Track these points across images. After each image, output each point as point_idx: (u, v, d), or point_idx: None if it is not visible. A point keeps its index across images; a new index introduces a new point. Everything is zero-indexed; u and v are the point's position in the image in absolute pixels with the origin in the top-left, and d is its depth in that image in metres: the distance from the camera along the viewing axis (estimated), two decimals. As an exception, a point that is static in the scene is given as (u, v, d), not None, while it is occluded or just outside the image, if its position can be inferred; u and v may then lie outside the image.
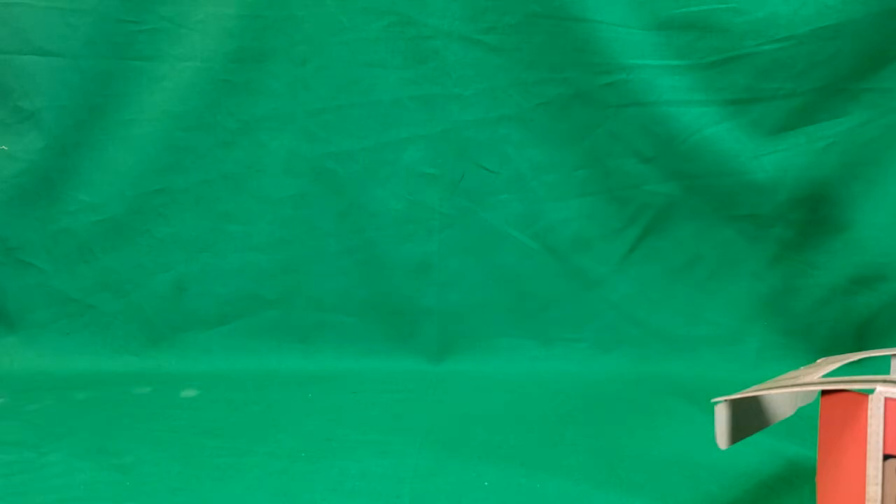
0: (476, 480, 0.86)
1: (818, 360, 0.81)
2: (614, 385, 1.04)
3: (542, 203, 1.27)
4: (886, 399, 0.59)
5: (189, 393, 1.17)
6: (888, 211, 1.31)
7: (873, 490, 0.59)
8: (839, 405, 0.62)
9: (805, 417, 0.80)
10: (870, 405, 0.59)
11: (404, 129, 1.23)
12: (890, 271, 1.32)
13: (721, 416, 0.68)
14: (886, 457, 0.59)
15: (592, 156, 1.31)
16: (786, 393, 0.78)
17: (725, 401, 0.68)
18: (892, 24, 1.25)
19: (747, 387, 0.70)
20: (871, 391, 0.59)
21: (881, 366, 0.84)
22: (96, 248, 1.34)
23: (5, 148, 1.32)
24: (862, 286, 1.33)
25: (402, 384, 1.17)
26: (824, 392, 0.63)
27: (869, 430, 0.59)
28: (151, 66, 1.30)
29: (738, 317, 1.36)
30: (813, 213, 1.33)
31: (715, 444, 0.69)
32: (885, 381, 0.61)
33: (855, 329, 1.33)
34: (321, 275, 1.26)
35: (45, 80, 1.29)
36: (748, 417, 0.72)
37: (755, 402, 0.74)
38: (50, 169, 1.32)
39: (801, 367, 0.81)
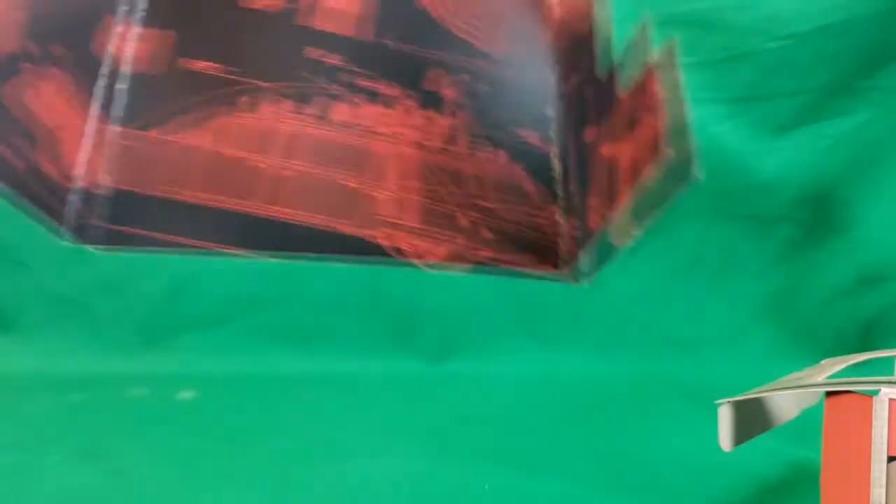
0: (476, 482, 0.86)
1: (822, 361, 0.81)
2: (616, 386, 1.03)
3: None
4: (891, 400, 0.58)
5: (186, 395, 1.16)
6: (892, 210, 1.31)
7: (878, 492, 0.58)
8: (843, 406, 0.61)
9: (809, 419, 0.79)
10: (874, 407, 0.59)
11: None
12: (894, 271, 1.32)
13: (725, 417, 0.68)
14: (891, 458, 0.58)
15: (594, 155, 1.31)
16: (790, 394, 0.77)
17: (729, 402, 0.68)
18: (896, 22, 1.25)
19: (751, 388, 0.69)
20: (876, 392, 0.59)
21: (886, 367, 0.84)
22: (92, 249, 1.34)
23: (1, 147, 1.32)
24: (866, 286, 1.33)
25: (402, 385, 1.17)
26: (829, 393, 0.62)
27: (873, 432, 0.59)
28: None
29: (742, 317, 1.36)
30: (816, 213, 1.33)
31: (718, 446, 0.68)
32: (889, 383, 0.60)
33: (859, 329, 1.33)
34: (320, 275, 1.26)
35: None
36: (752, 419, 0.72)
37: (759, 403, 0.73)
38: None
39: (806, 369, 0.80)
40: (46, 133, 0.64)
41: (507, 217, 0.71)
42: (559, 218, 0.71)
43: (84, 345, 1.33)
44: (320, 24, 0.71)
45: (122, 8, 0.68)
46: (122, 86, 0.68)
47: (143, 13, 0.69)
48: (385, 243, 0.69)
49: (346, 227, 0.68)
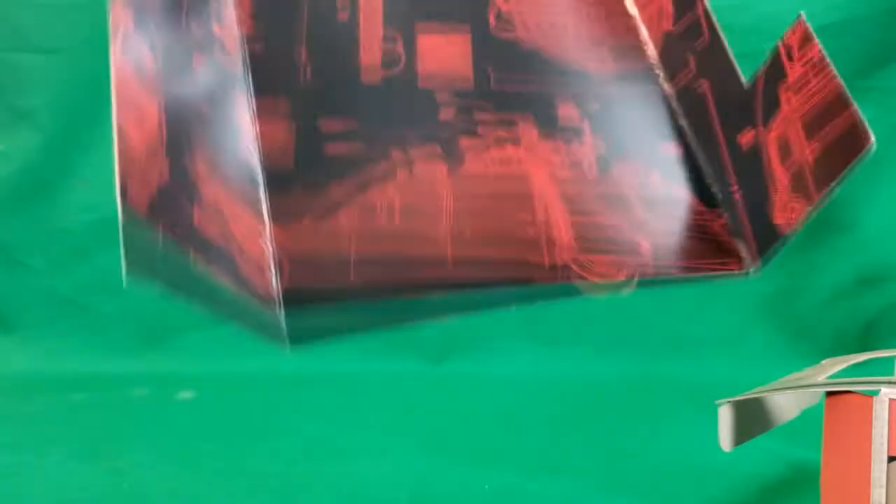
0: (476, 483, 0.86)
1: (822, 361, 0.81)
2: (616, 386, 1.03)
3: (543, 203, 1.26)
4: (891, 401, 0.58)
5: (186, 394, 1.16)
6: (893, 210, 1.31)
7: (878, 493, 0.58)
8: (843, 407, 0.61)
9: (809, 419, 0.79)
10: (874, 407, 0.59)
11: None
12: (895, 272, 1.32)
13: (724, 417, 0.68)
14: (891, 459, 0.58)
15: (594, 155, 1.31)
16: (790, 394, 0.77)
17: (729, 402, 0.68)
18: (897, 22, 1.25)
19: (751, 388, 0.69)
20: (876, 393, 0.59)
21: (886, 367, 0.84)
22: (92, 248, 1.34)
23: (0, 147, 1.32)
24: (866, 286, 1.33)
25: (402, 385, 1.17)
26: (828, 393, 0.62)
27: (873, 432, 0.59)
28: (149, 64, 1.30)
29: (741, 317, 1.36)
30: (817, 213, 1.33)
31: (718, 446, 0.68)
32: (889, 383, 0.60)
33: (859, 330, 1.33)
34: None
35: (42, 78, 1.29)
36: (752, 419, 0.72)
37: (759, 403, 0.73)
38: (46, 168, 1.32)
39: (806, 369, 0.80)
40: (241, 245, 0.65)
41: (672, 227, 0.72)
42: (727, 218, 0.72)
43: (84, 345, 1.33)
44: (434, 83, 0.71)
45: (252, 104, 0.67)
46: (275, 185, 0.67)
47: (259, 106, 0.68)
48: (571, 271, 0.70)
49: (532, 260, 0.69)
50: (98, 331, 1.34)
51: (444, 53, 0.72)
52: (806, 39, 0.67)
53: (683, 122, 0.74)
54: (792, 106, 0.68)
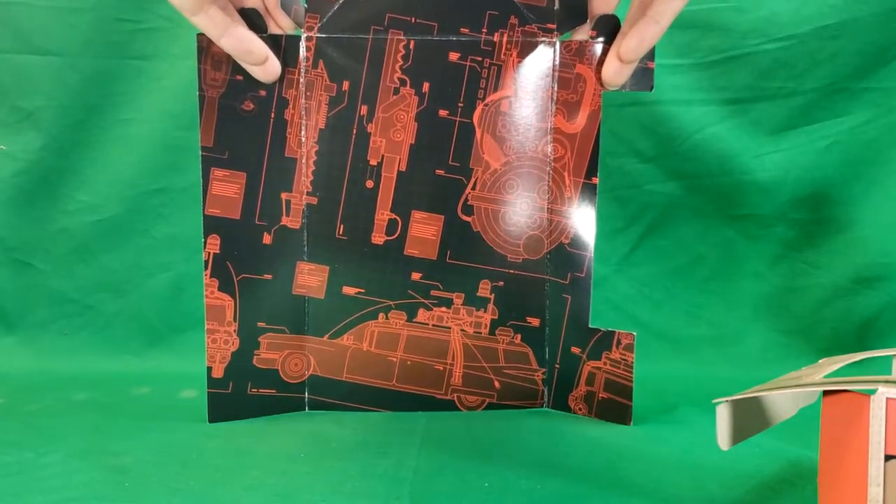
0: (476, 481, 0.86)
1: (820, 361, 0.81)
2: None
3: (542, 203, 1.28)
4: (888, 399, 0.59)
5: (188, 393, 1.17)
6: (889, 210, 1.31)
7: (875, 490, 0.59)
8: (841, 406, 0.61)
9: (807, 418, 0.80)
10: (871, 406, 0.59)
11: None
12: (891, 271, 1.32)
13: (722, 416, 0.68)
14: (888, 457, 0.59)
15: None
16: (787, 393, 0.78)
17: (727, 401, 0.68)
18: (893, 24, 1.25)
19: (749, 387, 0.69)
20: (873, 392, 0.59)
21: (883, 366, 0.84)
22: (95, 248, 1.34)
23: (4, 147, 1.32)
24: (863, 286, 1.33)
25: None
26: (826, 392, 0.62)
27: (871, 431, 0.59)
28: (150, 65, 1.30)
29: (740, 317, 1.36)
30: (814, 213, 1.33)
31: (716, 445, 0.68)
32: (886, 382, 0.60)
33: (857, 329, 1.33)
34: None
35: (44, 79, 1.29)
36: (750, 418, 0.72)
37: (757, 402, 0.74)
38: (48, 169, 1.32)
39: (803, 368, 0.81)
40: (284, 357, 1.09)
41: (516, 375, 1.10)
42: (542, 375, 1.11)
43: (87, 344, 1.33)
44: (411, 250, 1.07)
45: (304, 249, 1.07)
46: (309, 309, 1.08)
47: (309, 253, 1.07)
48: (455, 400, 1.11)
49: (437, 394, 1.10)
50: (101, 330, 1.34)
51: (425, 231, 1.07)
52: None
53: (547, 304, 1.09)
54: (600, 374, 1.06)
